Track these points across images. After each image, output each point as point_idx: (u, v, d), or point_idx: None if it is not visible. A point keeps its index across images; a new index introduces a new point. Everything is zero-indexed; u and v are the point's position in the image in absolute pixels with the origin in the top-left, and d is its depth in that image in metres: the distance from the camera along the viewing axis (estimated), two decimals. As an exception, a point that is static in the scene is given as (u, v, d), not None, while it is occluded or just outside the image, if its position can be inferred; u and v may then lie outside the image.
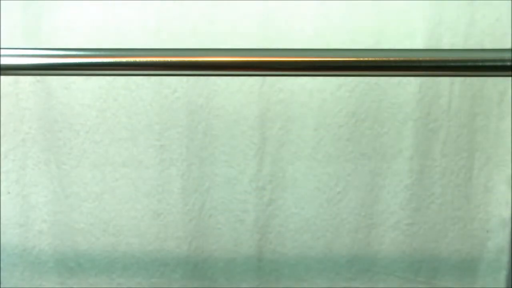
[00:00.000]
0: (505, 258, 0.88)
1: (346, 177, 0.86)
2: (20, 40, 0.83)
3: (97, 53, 0.60)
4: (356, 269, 0.89)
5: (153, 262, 0.90)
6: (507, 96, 0.83)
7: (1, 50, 0.60)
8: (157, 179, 0.87)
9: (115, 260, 0.90)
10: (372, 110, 0.84)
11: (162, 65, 0.59)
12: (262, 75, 0.80)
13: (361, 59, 0.58)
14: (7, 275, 0.91)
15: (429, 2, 0.80)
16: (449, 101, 0.83)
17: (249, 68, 0.60)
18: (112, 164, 0.86)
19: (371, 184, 0.86)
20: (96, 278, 0.91)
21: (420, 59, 0.58)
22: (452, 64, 0.58)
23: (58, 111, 0.85)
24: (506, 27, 0.80)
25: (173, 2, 0.81)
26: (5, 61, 0.59)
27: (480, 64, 0.58)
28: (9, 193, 0.88)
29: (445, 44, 0.81)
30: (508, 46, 0.79)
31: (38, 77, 0.84)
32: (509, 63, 0.57)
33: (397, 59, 0.58)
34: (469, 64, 0.58)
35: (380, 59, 0.58)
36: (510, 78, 0.80)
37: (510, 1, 0.80)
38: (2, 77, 0.83)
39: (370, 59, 0.58)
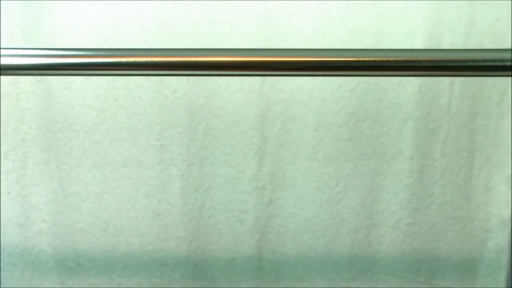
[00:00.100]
0: (505, 258, 0.88)
1: (346, 177, 0.86)
2: (20, 40, 0.83)
3: (97, 53, 0.60)
4: (356, 269, 0.89)
5: (153, 262, 0.90)
6: (507, 96, 0.83)
7: (1, 50, 0.60)
8: (157, 179, 0.87)
9: (115, 260, 0.90)
10: (372, 110, 0.84)
11: (162, 65, 0.59)
12: (262, 75, 0.80)
13: (361, 59, 0.58)
14: (7, 275, 0.91)
15: (429, 2, 0.80)
16: (449, 101, 0.83)
17: (249, 68, 0.60)
18: (112, 164, 0.86)
19: (371, 184, 0.86)
20: (96, 278, 0.91)
21: (420, 59, 0.58)
22: (452, 64, 0.58)
23: (58, 111, 0.85)
24: (506, 27, 0.80)
25: (173, 2, 0.81)
26: (5, 61, 0.59)
27: (480, 64, 0.58)
28: (9, 193, 0.88)
29: (445, 44, 0.81)
30: (508, 46, 0.79)
31: (38, 77, 0.84)
32: (509, 63, 0.57)
33: (397, 59, 0.58)
34: (469, 64, 0.58)
35: (380, 59, 0.58)
36: (510, 78, 0.80)
37: (510, 1, 0.80)
38: (2, 77, 0.83)
39: (370, 59, 0.58)
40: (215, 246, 0.89)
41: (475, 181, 0.86)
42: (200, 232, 0.89)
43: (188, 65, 0.59)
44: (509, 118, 0.83)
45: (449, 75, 0.76)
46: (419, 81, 0.82)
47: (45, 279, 0.91)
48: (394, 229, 0.87)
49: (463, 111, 0.83)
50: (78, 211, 0.88)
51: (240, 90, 0.84)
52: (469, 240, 0.87)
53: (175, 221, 0.88)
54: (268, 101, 0.84)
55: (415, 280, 0.89)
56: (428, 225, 0.87)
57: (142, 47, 0.61)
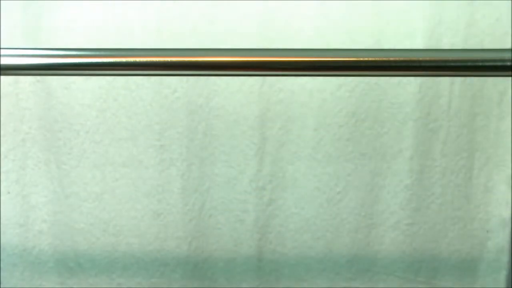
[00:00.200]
0: (505, 258, 0.88)
1: (346, 177, 0.86)
2: (20, 40, 0.83)
3: (97, 53, 0.60)
4: (356, 269, 0.89)
5: (153, 262, 0.90)
6: (507, 96, 0.83)
7: (1, 50, 0.60)
8: (157, 179, 0.87)
9: (115, 260, 0.90)
10: (372, 110, 0.84)
11: (162, 65, 0.59)
12: (262, 75, 0.80)
13: (361, 59, 0.58)
14: (7, 275, 0.91)
15: (429, 2, 0.80)
16: (449, 101, 0.83)
17: (249, 68, 0.60)
18: (112, 164, 0.86)
19: (371, 184, 0.86)
20: (96, 278, 0.91)
21: (420, 59, 0.58)
22: (452, 64, 0.58)
23: (58, 111, 0.85)
24: (506, 27, 0.80)
25: (173, 2, 0.81)
26: (5, 61, 0.59)
27: (480, 64, 0.58)
28: (9, 193, 0.88)
29: (445, 44, 0.81)
30: (508, 46, 0.79)
31: (38, 77, 0.84)
32: (509, 63, 0.57)
33: (397, 59, 0.58)
34: (469, 64, 0.58)
35: (380, 59, 0.58)
36: (510, 78, 0.80)
37: (510, 1, 0.80)
38: (2, 77, 0.83)
39: (370, 59, 0.58)
40: (215, 246, 0.89)
41: (475, 181, 0.86)
42: (200, 232, 0.89)
43: (188, 65, 0.59)
44: (509, 118, 0.83)
45: (449, 75, 0.76)
46: (419, 81, 0.82)
47: (45, 279, 0.91)
48: (394, 229, 0.87)
49: (463, 111, 0.83)
50: (78, 211, 0.88)
51: (240, 90, 0.84)
52: (469, 240, 0.87)
53: (175, 221, 0.88)
54: (268, 101, 0.84)
55: (415, 280, 0.89)
56: (428, 225, 0.87)
57: (142, 47, 0.61)
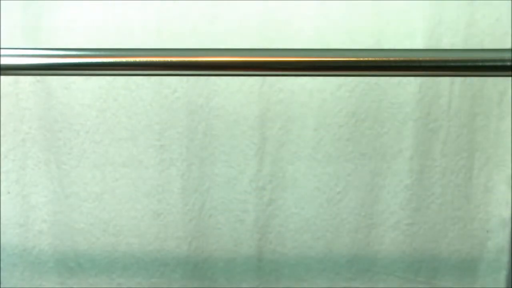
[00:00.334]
0: (505, 258, 0.88)
1: (346, 177, 0.86)
2: (20, 40, 0.83)
3: (97, 53, 0.60)
4: (356, 269, 0.89)
5: (153, 262, 0.90)
6: (507, 96, 0.83)
7: (1, 50, 0.60)
8: (157, 179, 0.87)
9: (115, 260, 0.90)
10: (372, 110, 0.84)
11: (162, 65, 0.59)
12: (262, 75, 0.80)
13: (361, 59, 0.58)
14: (7, 275, 0.91)
15: (429, 2, 0.80)
16: (449, 101, 0.83)
17: (249, 68, 0.60)
18: (112, 164, 0.86)
19: (371, 184, 0.86)
20: (96, 278, 0.91)
21: (420, 59, 0.58)
22: (452, 64, 0.58)
23: (58, 111, 0.85)
24: (506, 27, 0.80)
25: (173, 2, 0.81)
26: (5, 61, 0.59)
27: (480, 64, 0.58)
28: (9, 193, 0.88)
29: (445, 44, 0.81)
30: (508, 46, 0.79)
31: (38, 77, 0.84)
32: (509, 63, 0.57)
33: (397, 59, 0.58)
34: (469, 64, 0.58)
35: (380, 59, 0.58)
36: (510, 78, 0.80)
37: (510, 1, 0.80)
38: (2, 77, 0.83)
39: (370, 59, 0.58)
40: (215, 246, 0.89)
41: (475, 181, 0.86)
42: (200, 232, 0.89)
43: (188, 65, 0.59)
44: (509, 118, 0.83)
45: (449, 75, 0.76)
46: (419, 81, 0.82)
47: (45, 279, 0.91)
48: (394, 229, 0.87)
49: (463, 111, 0.83)
50: (78, 211, 0.88)
51: (240, 90, 0.84)
52: (469, 240, 0.87)
53: (175, 221, 0.88)
54: (268, 101, 0.84)
55: (415, 280, 0.89)
56: (428, 225, 0.87)
57: (142, 47, 0.61)
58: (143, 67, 0.59)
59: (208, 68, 0.59)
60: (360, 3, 0.81)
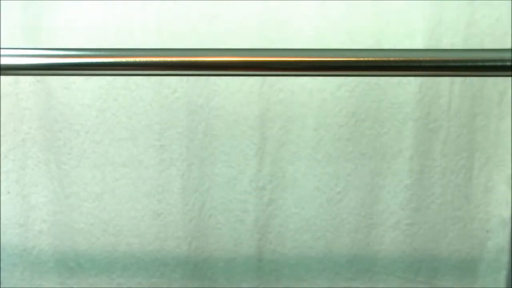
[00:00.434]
0: (505, 258, 0.88)
1: (346, 177, 0.86)
2: (20, 40, 0.83)
3: (97, 53, 0.60)
4: (356, 269, 0.89)
5: (153, 262, 0.90)
6: (507, 96, 0.83)
7: (1, 50, 0.60)
8: (157, 179, 0.87)
9: (115, 260, 0.90)
10: (372, 110, 0.84)
11: (162, 65, 0.59)
12: (262, 75, 0.80)
13: (361, 59, 0.58)
14: (7, 275, 0.91)
15: (429, 2, 0.80)
16: (449, 101, 0.83)
17: (249, 68, 0.60)
18: (112, 164, 0.86)
19: (371, 184, 0.86)
20: (96, 278, 0.91)
21: (420, 59, 0.58)
22: (452, 64, 0.58)
23: (58, 111, 0.85)
24: (506, 27, 0.80)
25: (173, 2, 0.81)
26: (5, 61, 0.59)
27: (480, 64, 0.58)
28: (9, 193, 0.88)
29: (445, 44, 0.81)
30: (508, 46, 0.79)
31: (38, 77, 0.84)
32: (509, 63, 0.57)
33: (397, 59, 0.58)
34: (469, 64, 0.58)
35: (380, 59, 0.58)
36: (510, 78, 0.80)
37: (510, 1, 0.80)
38: (2, 77, 0.83)
39: (370, 59, 0.58)
40: (215, 246, 0.89)
41: (475, 181, 0.86)
42: (200, 232, 0.89)
43: (188, 65, 0.59)
44: (509, 118, 0.83)
45: (449, 75, 0.76)
46: (419, 81, 0.82)
47: (45, 279, 0.91)
48: (394, 229, 0.87)
49: (463, 111, 0.83)
50: (78, 211, 0.88)
51: (240, 90, 0.84)
52: (469, 240, 0.87)
53: (175, 221, 0.88)
54: (268, 101, 0.84)
55: (415, 280, 0.89)
56: (428, 225, 0.87)
57: (142, 47, 0.61)
58: (143, 67, 0.59)
59: (208, 68, 0.60)
60: (360, 3, 0.81)
